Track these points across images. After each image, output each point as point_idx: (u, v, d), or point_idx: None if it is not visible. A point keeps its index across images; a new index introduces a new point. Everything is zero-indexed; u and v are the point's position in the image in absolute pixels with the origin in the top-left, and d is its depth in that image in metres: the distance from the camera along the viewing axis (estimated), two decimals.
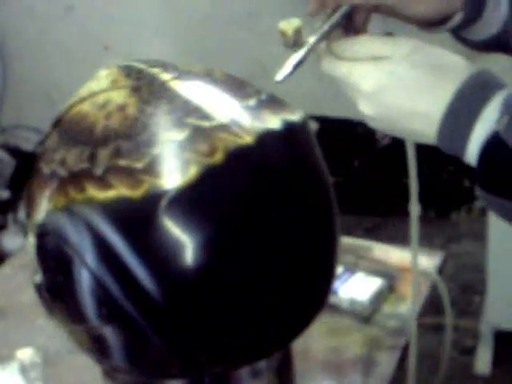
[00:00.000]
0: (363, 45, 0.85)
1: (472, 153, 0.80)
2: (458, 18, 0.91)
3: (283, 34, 0.87)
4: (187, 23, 2.79)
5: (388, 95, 0.82)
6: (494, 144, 0.78)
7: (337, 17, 0.88)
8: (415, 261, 1.14)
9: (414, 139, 0.94)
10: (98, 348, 0.93)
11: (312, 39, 0.87)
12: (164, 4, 2.80)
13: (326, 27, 0.87)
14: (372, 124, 0.86)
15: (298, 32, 0.87)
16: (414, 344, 1.16)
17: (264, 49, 2.68)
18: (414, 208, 1.07)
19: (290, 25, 0.87)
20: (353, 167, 2.89)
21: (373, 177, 2.87)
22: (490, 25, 0.93)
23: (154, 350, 0.90)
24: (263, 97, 0.93)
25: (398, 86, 0.82)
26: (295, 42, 0.87)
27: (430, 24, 0.92)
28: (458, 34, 0.95)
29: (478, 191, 0.82)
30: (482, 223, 2.30)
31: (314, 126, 2.75)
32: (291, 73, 0.86)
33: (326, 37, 0.87)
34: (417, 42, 0.83)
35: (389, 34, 0.87)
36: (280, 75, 0.86)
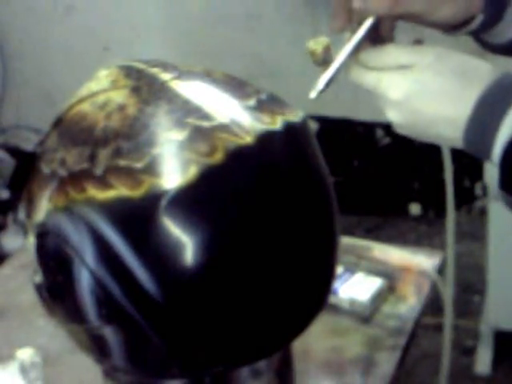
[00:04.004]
0: (389, 54, 0.88)
1: (497, 156, 0.82)
2: (478, 20, 0.93)
3: (313, 53, 0.90)
4: (187, 23, 2.79)
5: (414, 102, 0.85)
6: None
7: (363, 30, 0.90)
8: (451, 262, 1.16)
9: (441, 144, 0.95)
10: (98, 348, 0.93)
11: (341, 56, 0.89)
12: (164, 4, 2.80)
13: (354, 42, 0.89)
14: (400, 131, 0.89)
15: (327, 50, 0.90)
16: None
17: (264, 49, 2.68)
18: (450, 213, 1.07)
19: (318, 44, 0.90)
20: (353, 167, 2.89)
21: (373, 177, 2.87)
22: (510, 27, 0.94)
23: (154, 349, 0.90)
24: (263, 97, 0.93)
25: (424, 93, 0.85)
26: (325, 60, 0.90)
27: (453, 28, 0.94)
28: (480, 37, 0.97)
29: (498, 192, 0.83)
30: (482, 223, 2.30)
31: (314, 126, 2.75)
32: (324, 89, 0.90)
33: (355, 51, 0.89)
34: (441, 50, 0.86)
35: (418, 41, 0.89)
36: (314, 93, 0.90)
